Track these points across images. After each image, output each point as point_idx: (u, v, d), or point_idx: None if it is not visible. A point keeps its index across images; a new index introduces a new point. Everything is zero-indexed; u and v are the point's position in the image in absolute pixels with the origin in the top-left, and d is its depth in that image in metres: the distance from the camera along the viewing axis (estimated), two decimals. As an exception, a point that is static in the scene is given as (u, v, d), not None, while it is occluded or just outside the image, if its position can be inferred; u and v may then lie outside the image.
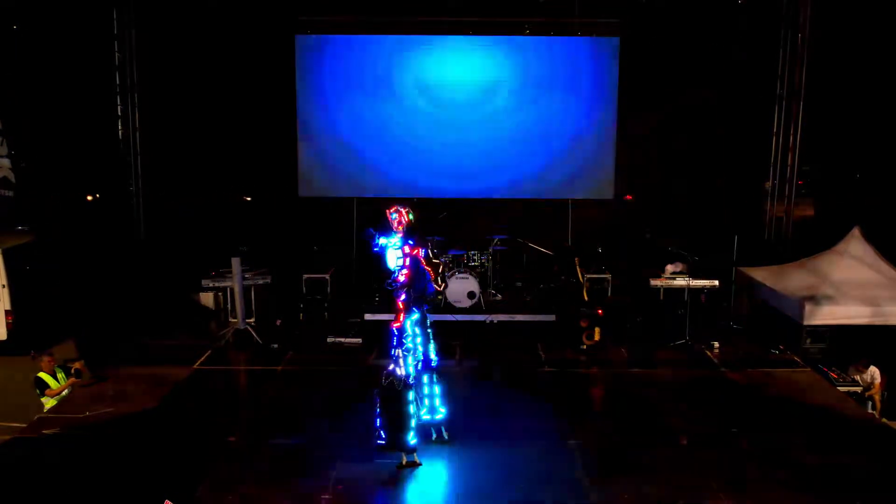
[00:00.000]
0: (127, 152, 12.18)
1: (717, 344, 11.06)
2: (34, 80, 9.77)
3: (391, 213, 7.53)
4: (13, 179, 15.11)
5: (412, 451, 7.37)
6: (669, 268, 12.09)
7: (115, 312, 10.96)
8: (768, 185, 13.31)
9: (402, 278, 7.47)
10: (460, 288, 11.75)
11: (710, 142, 13.40)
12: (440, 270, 7.72)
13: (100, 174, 11.43)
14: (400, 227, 7.47)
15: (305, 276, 12.42)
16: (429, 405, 7.77)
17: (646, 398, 9.25)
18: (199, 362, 10.40)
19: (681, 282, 11.66)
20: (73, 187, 10.38)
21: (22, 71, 9.58)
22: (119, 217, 11.91)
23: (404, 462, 7.33)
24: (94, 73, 11.42)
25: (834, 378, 9.94)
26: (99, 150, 11.44)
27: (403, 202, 7.72)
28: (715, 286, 11.88)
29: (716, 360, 10.62)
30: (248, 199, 13.37)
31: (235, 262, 11.23)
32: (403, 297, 7.50)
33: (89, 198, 10.77)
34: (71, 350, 10.15)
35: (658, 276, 11.95)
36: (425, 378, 7.74)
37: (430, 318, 11.42)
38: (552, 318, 11.71)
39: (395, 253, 7.49)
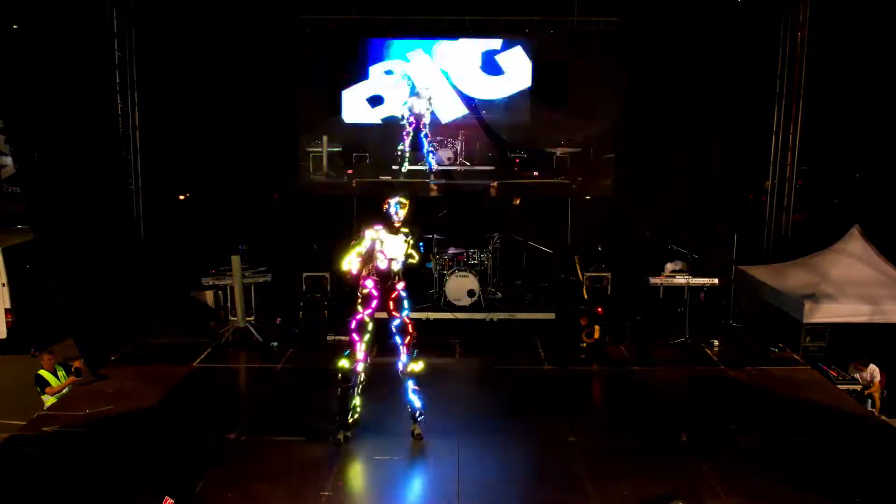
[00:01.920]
0: (127, 150, 12.17)
1: (716, 342, 11.07)
2: (35, 79, 9.76)
3: (394, 205, 7.49)
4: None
5: None
6: (669, 266, 12.09)
7: (116, 310, 10.96)
8: (768, 183, 13.32)
9: (398, 266, 7.55)
10: (460, 286, 11.75)
11: (710, 140, 13.39)
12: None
13: (100, 172, 11.41)
14: (401, 217, 7.51)
15: (305, 274, 12.41)
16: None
17: (646, 396, 9.26)
18: (198, 360, 10.41)
19: (680, 280, 11.68)
20: (73, 186, 10.38)
21: (23, 70, 9.57)
22: (119, 215, 11.89)
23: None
24: (93, 71, 11.41)
25: (834, 376, 9.96)
26: (99, 148, 11.43)
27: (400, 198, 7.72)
28: (714, 284, 11.89)
29: (715, 359, 10.63)
30: (250, 198, 13.34)
31: (235, 261, 11.23)
32: (403, 283, 7.60)
33: (90, 196, 10.77)
34: (72, 348, 10.16)
35: (658, 275, 11.97)
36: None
37: (431, 315, 11.64)
38: (552, 316, 11.72)
39: (395, 241, 7.44)
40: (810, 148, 13.36)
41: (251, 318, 11.64)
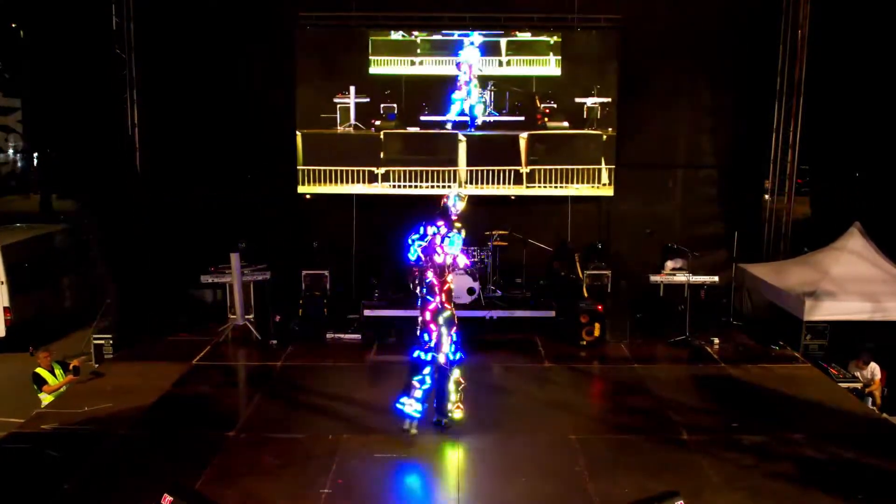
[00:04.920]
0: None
1: (717, 340, 11.06)
2: (42, 78, 9.77)
3: (453, 197, 7.93)
4: (22, 174, 15.17)
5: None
6: (669, 264, 12.07)
7: (116, 308, 10.96)
8: (768, 182, 13.31)
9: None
10: (460, 284, 11.69)
11: (710, 138, 13.37)
12: None
13: (100, 171, 11.41)
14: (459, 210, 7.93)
15: (304, 272, 12.38)
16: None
17: (646, 393, 9.25)
18: (197, 357, 10.38)
19: (681, 278, 11.66)
20: (74, 184, 10.40)
21: (31, 70, 9.59)
22: (118, 213, 11.88)
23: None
24: (93, 69, 11.40)
25: (834, 374, 9.94)
26: (100, 146, 11.44)
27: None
28: (715, 282, 11.88)
29: (716, 356, 10.62)
30: (250, 196, 13.26)
31: (234, 258, 11.20)
32: (452, 276, 8.00)
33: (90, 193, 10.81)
34: (70, 346, 10.16)
35: (658, 272, 11.95)
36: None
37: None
38: (552, 313, 11.70)
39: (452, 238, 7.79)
40: (810, 145, 13.33)
41: (250, 316, 11.61)
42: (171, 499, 5.90)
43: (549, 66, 12.93)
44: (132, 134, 12.40)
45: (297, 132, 12.93)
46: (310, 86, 12.93)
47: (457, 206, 7.87)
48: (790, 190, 12.99)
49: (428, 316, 7.78)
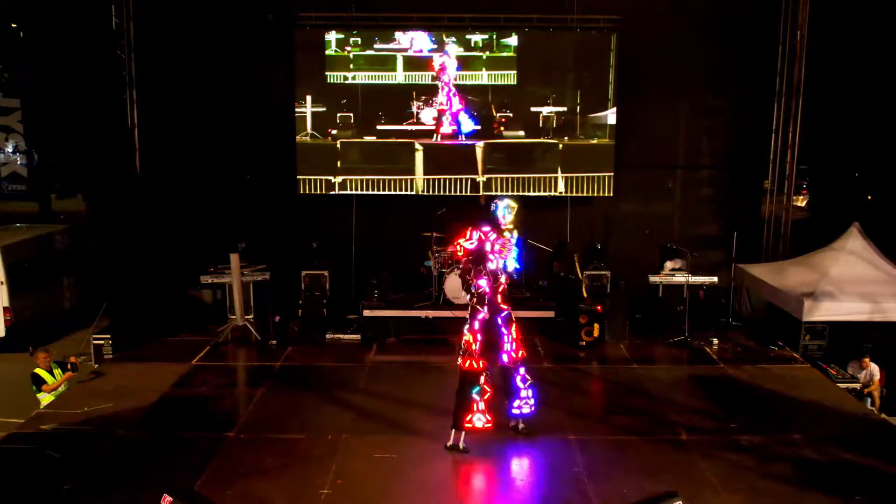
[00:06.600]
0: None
1: (716, 340, 11.06)
2: (41, 78, 9.79)
3: (502, 209, 7.61)
4: (25, 175, 15.21)
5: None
6: (669, 264, 12.08)
7: (116, 308, 10.96)
8: (767, 182, 13.32)
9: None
10: (459, 284, 11.69)
11: (710, 138, 13.38)
12: None
13: (99, 171, 11.44)
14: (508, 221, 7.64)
15: (304, 272, 12.38)
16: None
17: (645, 394, 9.26)
18: (197, 358, 10.39)
19: (680, 278, 11.67)
20: (74, 184, 10.42)
21: (31, 70, 9.61)
22: (118, 213, 11.90)
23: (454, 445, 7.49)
24: (93, 69, 11.43)
25: (833, 374, 9.95)
26: (100, 146, 11.46)
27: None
28: (714, 283, 11.89)
29: (715, 357, 10.63)
30: (250, 196, 13.25)
31: (234, 259, 11.21)
32: (506, 278, 7.71)
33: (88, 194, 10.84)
34: (68, 347, 10.16)
35: (657, 273, 11.96)
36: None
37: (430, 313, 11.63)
38: (551, 314, 11.70)
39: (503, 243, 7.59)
40: (809, 146, 13.35)
41: (250, 317, 11.62)
42: (170, 499, 5.90)
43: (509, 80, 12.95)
44: (132, 134, 12.41)
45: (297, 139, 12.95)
46: (308, 85, 12.94)
47: (506, 219, 7.58)
48: (789, 190, 13.01)
49: (476, 325, 7.54)
